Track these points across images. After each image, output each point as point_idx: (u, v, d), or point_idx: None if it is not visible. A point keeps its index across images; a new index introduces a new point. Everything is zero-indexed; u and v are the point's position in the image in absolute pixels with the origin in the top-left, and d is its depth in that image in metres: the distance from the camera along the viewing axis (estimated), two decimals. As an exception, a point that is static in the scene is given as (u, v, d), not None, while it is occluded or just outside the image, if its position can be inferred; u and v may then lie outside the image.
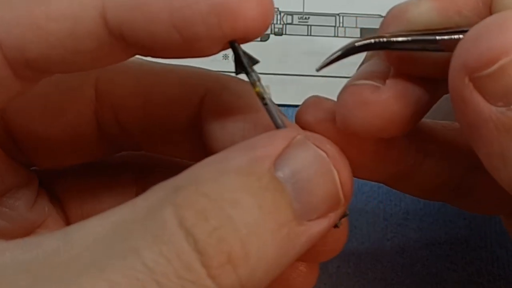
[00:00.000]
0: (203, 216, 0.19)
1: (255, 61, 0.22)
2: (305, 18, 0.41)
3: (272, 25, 0.41)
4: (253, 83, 0.22)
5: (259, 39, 0.41)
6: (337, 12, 0.41)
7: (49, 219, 0.27)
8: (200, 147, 0.26)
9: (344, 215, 0.22)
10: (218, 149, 0.24)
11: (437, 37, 0.21)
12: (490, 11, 0.21)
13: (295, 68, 0.40)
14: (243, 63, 0.22)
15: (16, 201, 0.26)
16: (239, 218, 0.19)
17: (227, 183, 0.19)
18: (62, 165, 0.28)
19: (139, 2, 0.20)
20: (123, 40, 0.21)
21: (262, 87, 0.22)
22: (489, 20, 0.19)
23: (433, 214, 0.35)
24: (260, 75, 0.22)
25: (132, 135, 0.27)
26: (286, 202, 0.20)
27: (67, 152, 0.27)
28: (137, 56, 0.22)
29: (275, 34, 0.41)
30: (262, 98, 0.22)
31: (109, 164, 0.29)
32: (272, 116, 0.22)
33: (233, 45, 0.21)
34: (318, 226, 0.20)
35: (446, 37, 0.20)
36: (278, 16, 0.41)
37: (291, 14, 0.41)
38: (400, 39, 0.21)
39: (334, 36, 0.41)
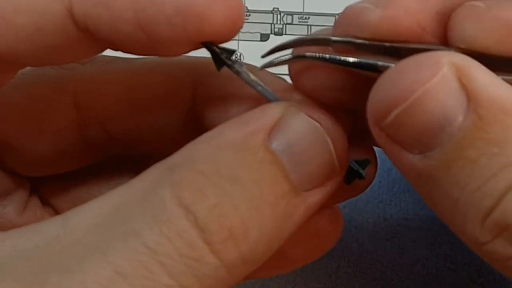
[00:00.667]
0: (202, 193, 0.19)
1: (231, 52, 0.22)
2: (305, 18, 0.41)
3: (272, 25, 0.41)
4: (237, 73, 0.22)
5: (259, 38, 0.41)
6: (337, 12, 0.41)
7: None
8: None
9: (367, 163, 0.22)
10: None
11: (379, 63, 0.21)
12: (446, 31, 0.20)
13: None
14: (221, 59, 0.22)
15: (4, 208, 0.26)
16: (238, 193, 0.19)
17: (222, 159, 0.19)
18: (46, 174, 0.28)
19: None
20: (90, 35, 0.21)
21: (247, 73, 0.22)
22: (388, 70, 0.19)
23: (433, 214, 0.35)
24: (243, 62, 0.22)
25: (121, 141, 0.27)
26: (283, 174, 0.20)
27: (51, 163, 0.27)
28: (116, 54, 0.22)
29: (275, 34, 0.41)
30: (251, 85, 0.22)
31: (104, 169, 0.29)
32: (266, 97, 0.22)
33: (206, 45, 0.21)
34: (315, 195, 0.21)
35: (387, 64, 0.21)
36: (278, 16, 0.41)
37: (291, 14, 0.41)
38: (350, 60, 0.21)
39: (334, 36, 0.41)
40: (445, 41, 0.20)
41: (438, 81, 0.18)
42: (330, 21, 0.41)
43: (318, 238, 0.24)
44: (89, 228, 0.19)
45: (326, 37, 0.21)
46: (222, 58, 0.22)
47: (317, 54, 0.21)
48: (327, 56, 0.21)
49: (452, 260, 0.34)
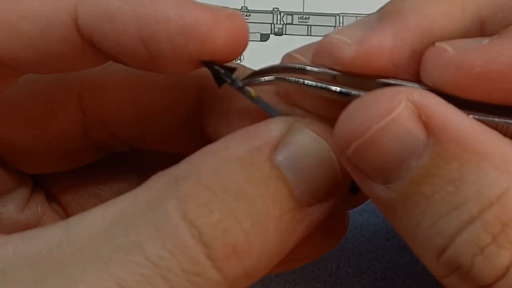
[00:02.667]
0: (207, 208, 0.19)
1: (233, 70, 0.22)
2: (305, 18, 0.41)
3: (272, 25, 0.41)
4: (238, 90, 0.22)
5: (259, 39, 0.41)
6: (337, 12, 0.41)
7: (47, 218, 0.27)
8: (202, 141, 0.26)
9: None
10: None
11: (352, 92, 0.21)
12: (419, 67, 0.21)
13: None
14: (222, 78, 0.22)
15: (5, 205, 0.26)
16: (242, 209, 0.19)
17: (228, 173, 0.19)
18: (50, 172, 0.28)
19: (108, 12, 0.20)
20: (94, 47, 0.21)
21: (248, 90, 0.22)
22: (351, 103, 0.19)
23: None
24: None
25: (124, 140, 0.27)
26: (288, 190, 0.20)
27: (54, 162, 0.27)
28: None
29: (275, 34, 0.41)
30: (253, 102, 0.22)
31: (110, 162, 0.29)
32: (269, 113, 0.22)
33: (206, 64, 0.21)
34: (319, 210, 0.21)
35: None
36: (278, 16, 0.41)
37: (291, 14, 0.41)
38: (329, 87, 0.21)
39: (334, 36, 0.41)
40: (418, 78, 0.21)
41: (394, 118, 0.18)
42: (330, 21, 0.41)
43: (324, 235, 0.24)
44: (91, 237, 0.19)
45: (302, 66, 0.22)
46: (222, 76, 0.22)
47: (295, 79, 0.22)
48: (305, 81, 0.22)
49: (452, 260, 0.34)
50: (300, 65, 0.22)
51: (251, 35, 0.41)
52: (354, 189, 0.22)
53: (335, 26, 0.41)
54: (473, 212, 0.18)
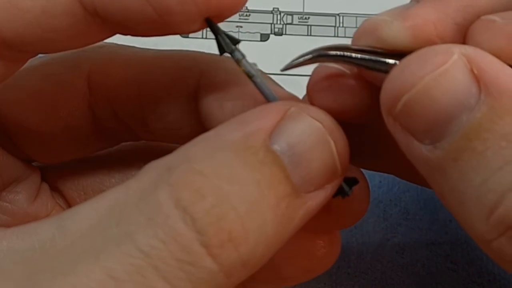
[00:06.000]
0: (200, 194, 0.18)
1: (236, 41, 0.22)
2: (305, 18, 0.41)
3: (272, 25, 0.41)
4: (237, 62, 0.22)
5: (259, 39, 0.41)
6: (337, 12, 0.41)
7: (56, 214, 0.27)
8: (201, 131, 0.26)
9: (355, 183, 0.22)
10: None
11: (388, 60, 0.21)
12: (464, 40, 0.21)
13: (295, 68, 0.40)
14: (224, 43, 0.22)
15: (16, 195, 0.26)
16: (237, 194, 0.19)
17: (222, 159, 0.19)
18: (59, 161, 0.28)
19: None
20: (98, 17, 0.20)
21: (249, 64, 0.22)
22: (402, 60, 0.19)
23: (433, 214, 0.35)
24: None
25: (129, 125, 0.27)
26: (284, 175, 0.19)
27: (63, 147, 0.27)
28: (129, 44, 0.22)
29: (275, 34, 0.41)
30: (249, 76, 0.22)
31: (115, 158, 0.29)
32: (263, 92, 0.22)
33: (210, 24, 0.21)
34: (316, 198, 0.20)
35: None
36: (278, 16, 0.41)
37: (291, 14, 0.41)
38: (366, 56, 0.21)
39: (334, 36, 0.41)
40: None
41: (447, 69, 0.18)
42: (330, 21, 0.41)
43: (313, 259, 0.24)
44: (83, 231, 0.19)
45: (345, 45, 0.21)
46: (224, 42, 0.21)
47: (340, 53, 0.21)
48: (350, 54, 0.21)
49: (452, 260, 0.34)
50: (343, 45, 0.21)
51: (251, 35, 0.41)
52: (343, 193, 0.22)
53: (335, 26, 0.41)
54: None
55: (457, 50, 0.18)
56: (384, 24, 0.21)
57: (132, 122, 0.27)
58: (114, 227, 0.18)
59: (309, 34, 0.41)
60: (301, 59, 0.22)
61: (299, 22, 0.41)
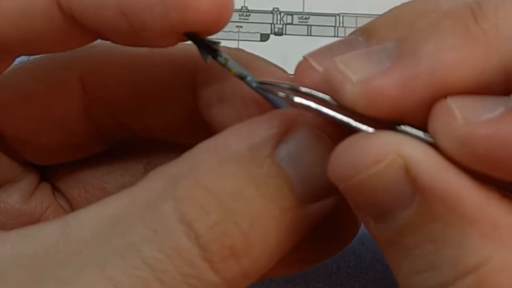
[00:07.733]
0: (204, 210, 0.18)
1: (217, 43, 0.21)
2: (305, 18, 0.41)
3: (272, 25, 0.41)
4: (222, 65, 0.22)
5: (259, 39, 0.41)
6: (337, 12, 0.41)
7: (52, 212, 0.27)
8: (201, 126, 0.25)
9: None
10: (219, 124, 0.23)
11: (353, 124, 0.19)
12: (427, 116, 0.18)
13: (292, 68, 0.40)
14: (205, 49, 0.21)
15: (10, 195, 0.26)
16: (241, 209, 0.19)
17: (227, 173, 0.19)
18: (56, 163, 0.28)
19: None
20: (77, 23, 0.20)
21: (236, 65, 0.22)
22: (342, 143, 0.18)
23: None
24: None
25: (126, 125, 0.27)
26: (289, 188, 0.19)
27: (60, 150, 0.27)
28: None
29: (275, 34, 0.41)
30: (242, 78, 0.22)
31: (115, 155, 0.29)
32: (265, 97, 0.22)
33: (189, 36, 0.21)
34: (321, 207, 0.20)
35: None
36: (278, 16, 0.41)
37: (291, 14, 0.41)
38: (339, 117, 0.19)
39: (334, 36, 0.41)
40: (425, 127, 0.19)
41: (381, 171, 0.17)
42: (330, 21, 0.41)
43: (336, 237, 0.24)
44: (87, 239, 0.19)
45: (309, 91, 0.20)
46: (206, 48, 0.21)
47: (314, 105, 0.19)
48: (321, 109, 0.19)
49: (452, 260, 0.34)
50: (307, 90, 0.20)
51: (251, 35, 0.41)
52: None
53: (335, 26, 0.41)
54: (449, 278, 0.17)
55: (394, 149, 0.17)
56: (344, 85, 0.19)
57: (129, 121, 0.26)
58: (119, 238, 0.18)
59: (309, 34, 0.41)
60: (278, 95, 0.20)
61: (299, 22, 0.41)
